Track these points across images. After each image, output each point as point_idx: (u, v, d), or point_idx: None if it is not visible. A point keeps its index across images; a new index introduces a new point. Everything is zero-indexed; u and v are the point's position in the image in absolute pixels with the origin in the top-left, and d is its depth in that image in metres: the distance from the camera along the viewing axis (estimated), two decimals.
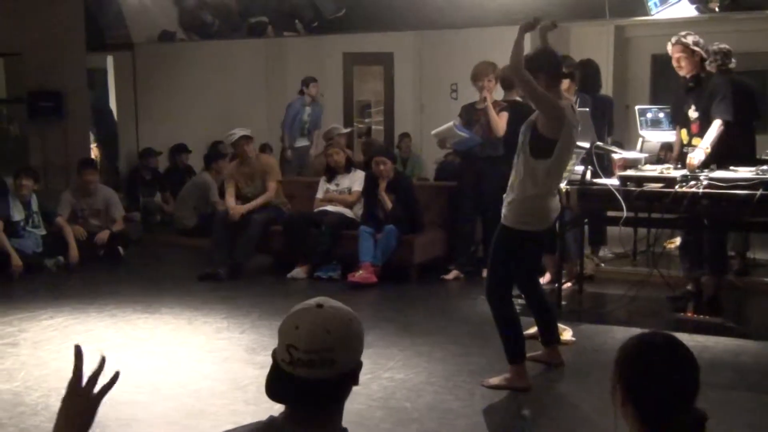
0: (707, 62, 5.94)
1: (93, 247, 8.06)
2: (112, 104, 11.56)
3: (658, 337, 1.94)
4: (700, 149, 5.72)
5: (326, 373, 1.81)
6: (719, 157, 5.68)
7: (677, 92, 6.30)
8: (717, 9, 8.90)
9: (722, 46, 6.19)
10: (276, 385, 1.85)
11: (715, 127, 5.77)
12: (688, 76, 5.94)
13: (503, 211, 4.47)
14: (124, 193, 10.29)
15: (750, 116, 6.28)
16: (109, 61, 11.19)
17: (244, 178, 7.95)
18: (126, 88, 10.71)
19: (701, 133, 5.85)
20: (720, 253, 6.18)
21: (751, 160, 5.76)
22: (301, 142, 10.44)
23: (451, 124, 7.06)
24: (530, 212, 4.43)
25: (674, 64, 5.96)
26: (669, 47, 5.95)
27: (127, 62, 10.59)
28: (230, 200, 7.86)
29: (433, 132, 7.31)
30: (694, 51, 5.83)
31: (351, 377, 1.87)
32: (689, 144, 5.95)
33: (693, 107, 5.98)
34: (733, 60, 6.09)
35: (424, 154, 11.11)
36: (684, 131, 6.07)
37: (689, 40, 5.83)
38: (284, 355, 1.82)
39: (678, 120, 6.24)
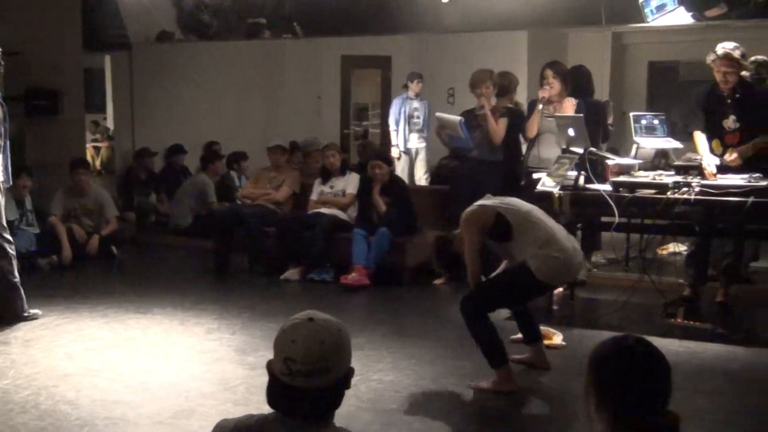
0: (745, 73, 5.90)
1: (85, 249, 8.07)
2: (108, 103, 11.57)
3: (629, 340, 1.96)
4: (743, 150, 5.72)
5: (322, 382, 1.99)
6: (748, 166, 5.68)
7: (704, 100, 6.10)
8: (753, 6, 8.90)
9: (761, 57, 6.18)
10: (277, 396, 2.04)
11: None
12: (730, 88, 5.83)
13: (530, 258, 4.48)
14: (118, 193, 10.30)
15: None
16: (107, 60, 11.19)
17: (268, 180, 8.35)
18: (123, 88, 10.71)
19: (739, 144, 5.81)
20: (738, 261, 6.18)
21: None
22: (416, 143, 10.17)
23: (458, 119, 7.11)
24: (550, 270, 4.48)
25: (719, 77, 5.78)
26: (710, 58, 5.78)
27: (125, 62, 10.59)
28: (248, 185, 8.67)
29: (439, 114, 7.47)
30: (741, 65, 5.74)
31: (344, 382, 2.06)
32: (722, 155, 5.88)
33: (733, 118, 5.88)
34: None
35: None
36: (717, 142, 5.96)
37: (738, 54, 5.69)
38: (282, 367, 2.01)
39: (705, 128, 6.03)
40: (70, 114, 9.60)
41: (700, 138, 6.03)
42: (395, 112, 10.17)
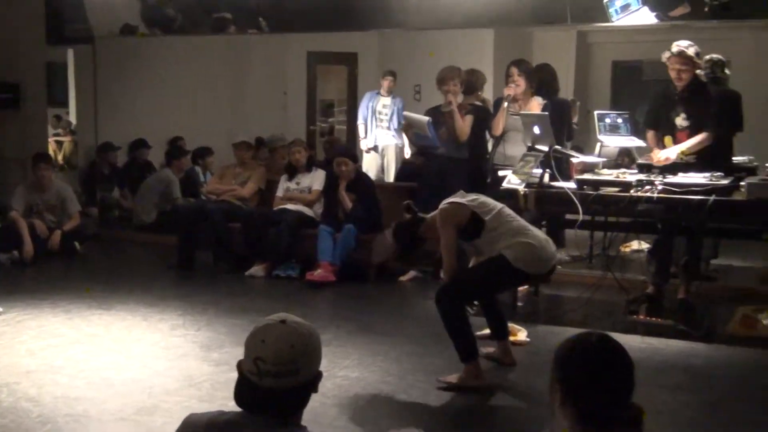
0: (700, 71, 5.97)
1: (46, 245, 7.97)
2: (71, 97, 11.43)
3: (593, 336, 1.99)
4: (675, 150, 5.77)
5: (290, 383, 2.02)
6: (701, 163, 5.72)
7: (658, 97, 6.23)
8: (706, 10, 9.01)
9: (715, 56, 6.24)
10: (244, 394, 2.06)
11: (700, 137, 5.80)
12: (684, 85, 5.89)
13: (504, 249, 4.51)
14: (81, 188, 10.18)
15: (734, 127, 6.38)
16: (69, 54, 11.06)
17: (233, 176, 8.31)
18: (86, 82, 10.58)
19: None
20: (696, 258, 6.26)
21: (725, 166, 5.79)
22: (384, 140, 10.03)
23: (426, 119, 7.13)
24: (526, 257, 4.52)
25: (673, 74, 5.85)
26: (665, 56, 5.84)
27: (88, 56, 10.46)
28: (213, 180, 8.64)
29: (407, 113, 7.52)
30: (695, 63, 5.80)
31: (311, 385, 2.09)
32: None
33: (683, 116, 5.95)
34: (727, 71, 6.12)
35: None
36: (669, 138, 6.04)
37: (692, 52, 5.75)
38: (251, 366, 2.03)
39: (656, 125, 6.15)
40: (32, 108, 9.49)
41: (649, 135, 6.21)
42: (363, 107, 10.15)
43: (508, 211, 4.73)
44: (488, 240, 4.56)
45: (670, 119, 6.03)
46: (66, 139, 13.25)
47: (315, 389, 2.11)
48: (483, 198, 4.74)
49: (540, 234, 4.69)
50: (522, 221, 4.72)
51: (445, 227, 4.57)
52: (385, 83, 9.97)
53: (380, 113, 9.97)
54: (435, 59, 8.60)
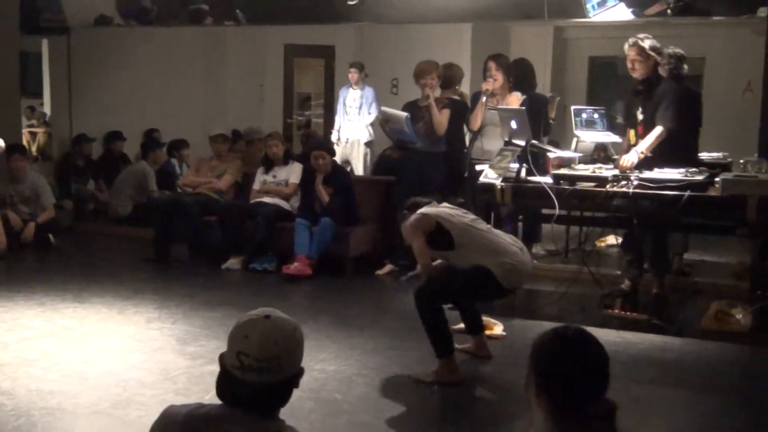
0: (660, 66, 6.02)
1: (20, 237, 7.90)
2: (45, 88, 11.32)
3: (569, 330, 2.01)
4: (635, 152, 5.83)
5: (273, 378, 2.02)
6: (661, 160, 5.77)
7: (628, 93, 6.33)
8: (669, 12, 9.10)
9: (677, 50, 6.27)
10: (226, 388, 2.06)
11: (656, 133, 5.86)
12: (640, 78, 5.98)
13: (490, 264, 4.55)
14: (56, 180, 10.09)
15: (694, 123, 6.44)
16: (44, 44, 10.94)
17: (210, 169, 8.27)
18: (60, 72, 10.48)
19: (644, 136, 5.94)
20: (662, 252, 6.32)
21: (690, 164, 5.83)
22: (353, 133, 9.90)
23: (405, 115, 7.12)
24: (509, 277, 4.58)
25: (628, 65, 5.96)
26: (626, 47, 5.94)
27: (62, 46, 10.36)
28: (189, 173, 8.62)
29: (385, 109, 7.47)
30: (649, 55, 5.87)
31: (293, 381, 2.10)
32: (635, 145, 6.03)
33: (640, 109, 6.04)
34: (686, 66, 6.17)
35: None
36: (632, 132, 6.14)
37: (646, 44, 5.84)
38: (234, 361, 2.02)
39: (628, 121, 6.28)
40: (5, 98, 9.36)
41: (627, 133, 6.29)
42: (339, 101, 10.15)
43: (482, 224, 4.80)
44: (460, 254, 4.61)
45: (633, 113, 6.13)
46: (40, 131, 13.11)
47: (296, 385, 2.11)
48: (455, 209, 4.81)
49: (515, 247, 4.69)
50: (496, 234, 4.74)
51: (413, 238, 4.67)
52: (350, 75, 9.97)
53: (350, 106, 9.97)
54: (412, 53, 8.58)
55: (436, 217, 4.65)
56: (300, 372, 2.12)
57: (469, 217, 4.77)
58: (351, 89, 9.95)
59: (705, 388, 4.60)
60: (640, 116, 6.06)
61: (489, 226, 4.87)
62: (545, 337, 2.01)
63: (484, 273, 4.53)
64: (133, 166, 9.77)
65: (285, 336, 2.05)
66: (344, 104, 9.97)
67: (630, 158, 5.78)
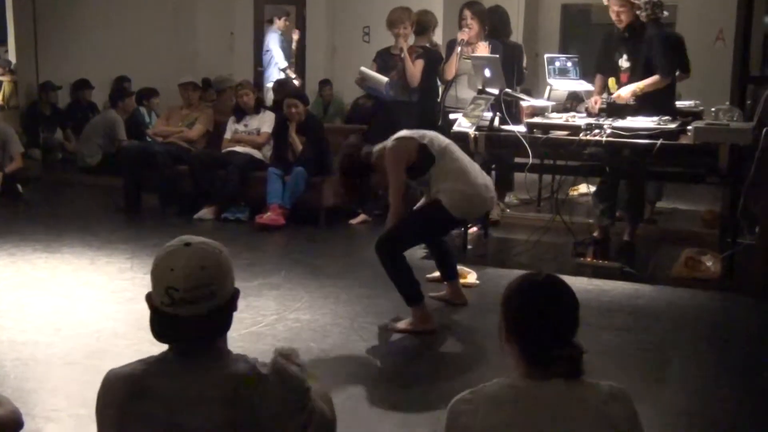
0: (640, 13, 5.98)
1: None
2: (9, 35, 11.06)
3: (540, 276, 2.03)
4: (631, 88, 5.81)
5: (208, 307, 1.90)
6: (640, 107, 5.77)
7: (604, 41, 6.27)
8: None
9: None
10: (161, 327, 1.94)
11: (654, 79, 5.83)
12: (622, 26, 5.94)
13: (440, 192, 4.49)
14: (23, 129, 9.92)
15: (682, 71, 6.43)
16: None
17: (180, 118, 8.20)
18: (25, 18, 10.23)
19: (631, 83, 5.91)
20: (639, 200, 6.36)
21: (668, 113, 5.85)
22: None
23: (385, 80, 7.12)
24: (461, 203, 4.51)
25: (613, 17, 5.91)
26: (605, 0, 5.90)
27: None
28: (160, 122, 8.55)
29: (364, 69, 7.33)
30: (633, 4, 5.83)
31: (231, 305, 1.98)
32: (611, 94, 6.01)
33: (625, 57, 6.00)
34: (665, 12, 6.15)
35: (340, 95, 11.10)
36: (612, 80, 6.10)
37: None
38: (164, 297, 1.91)
39: (603, 68, 6.22)
40: None
41: (596, 78, 6.29)
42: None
43: (455, 148, 4.65)
44: (434, 175, 4.51)
45: (614, 61, 6.10)
46: (5, 79, 12.84)
47: (235, 307, 2.00)
48: (431, 133, 4.66)
49: (479, 180, 4.60)
50: (465, 163, 4.62)
51: (394, 168, 4.47)
52: (281, 23, 10.30)
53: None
54: (384, 0, 8.47)
55: (419, 140, 4.51)
56: (236, 294, 2.00)
57: (444, 139, 4.67)
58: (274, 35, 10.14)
59: (676, 333, 4.66)
60: (625, 63, 6.02)
61: (461, 150, 4.74)
62: (516, 281, 2.03)
63: (433, 208, 4.51)
64: (102, 114, 9.63)
65: (211, 259, 1.93)
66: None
67: (620, 92, 5.80)
